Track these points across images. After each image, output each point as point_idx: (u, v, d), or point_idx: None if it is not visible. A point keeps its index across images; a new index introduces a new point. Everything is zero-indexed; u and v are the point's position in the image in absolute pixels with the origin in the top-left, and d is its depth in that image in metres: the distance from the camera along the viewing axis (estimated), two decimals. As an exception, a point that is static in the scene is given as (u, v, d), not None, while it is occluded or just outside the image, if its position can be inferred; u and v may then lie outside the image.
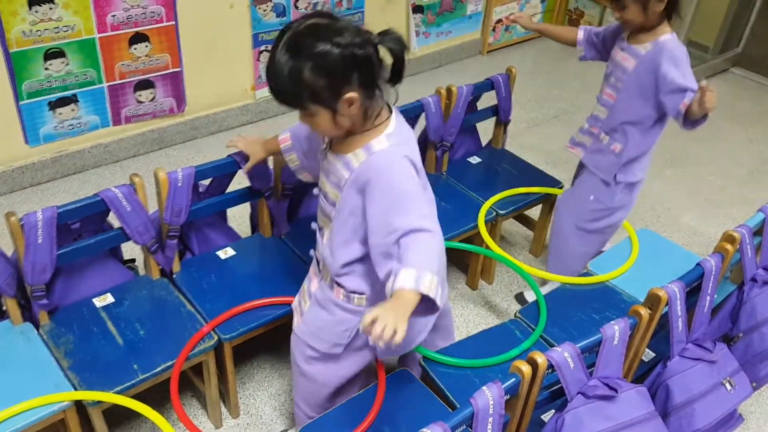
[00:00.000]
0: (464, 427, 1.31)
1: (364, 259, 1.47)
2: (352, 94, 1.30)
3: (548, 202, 2.58)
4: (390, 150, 1.38)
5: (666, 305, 1.58)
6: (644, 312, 1.53)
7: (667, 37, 2.00)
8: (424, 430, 1.24)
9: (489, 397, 1.31)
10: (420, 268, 1.24)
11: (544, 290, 2.26)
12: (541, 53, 4.58)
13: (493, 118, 2.66)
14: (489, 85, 2.54)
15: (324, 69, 1.27)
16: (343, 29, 1.28)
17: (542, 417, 1.63)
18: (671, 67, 1.94)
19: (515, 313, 1.98)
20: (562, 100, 3.98)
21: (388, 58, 1.33)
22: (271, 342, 2.22)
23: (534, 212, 2.70)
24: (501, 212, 2.38)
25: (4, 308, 1.77)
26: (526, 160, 2.68)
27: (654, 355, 1.87)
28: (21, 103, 2.68)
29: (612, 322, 1.50)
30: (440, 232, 1.41)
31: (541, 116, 3.79)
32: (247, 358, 2.19)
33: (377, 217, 1.35)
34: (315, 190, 1.57)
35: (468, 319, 2.44)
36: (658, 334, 1.71)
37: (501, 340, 1.87)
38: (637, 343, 1.58)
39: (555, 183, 2.56)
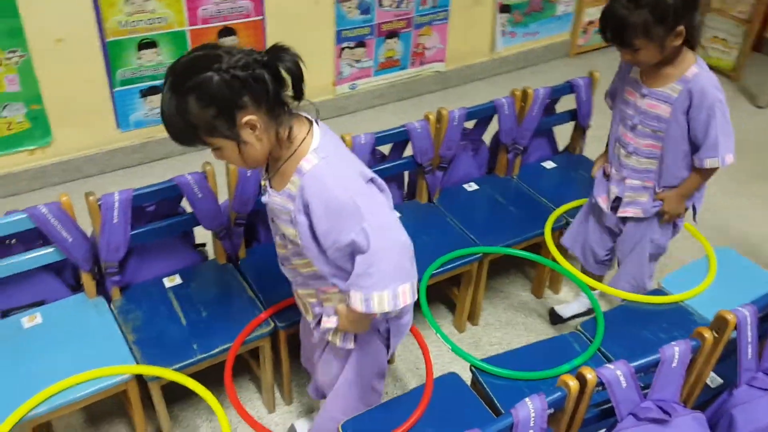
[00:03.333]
0: (503, 436, 1.28)
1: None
2: (249, 117, 1.25)
3: (624, 213, 2.47)
4: (320, 165, 1.31)
5: (735, 329, 1.48)
6: (708, 335, 1.44)
7: (694, 70, 1.78)
8: (460, 436, 1.23)
9: (531, 408, 1.28)
10: (368, 290, 1.31)
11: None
12: (634, 58, 4.40)
13: (572, 123, 2.58)
14: (568, 88, 2.47)
15: (208, 98, 1.22)
16: (222, 56, 1.23)
17: (592, 436, 1.57)
18: (713, 119, 1.77)
19: (576, 326, 1.92)
20: (652, 107, 3.81)
21: (286, 76, 1.27)
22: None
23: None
24: (572, 221, 2.31)
25: (81, 282, 1.89)
26: (603, 168, 2.58)
27: (722, 381, 1.76)
28: (114, 89, 2.85)
29: (672, 342, 1.42)
30: (393, 235, 1.33)
31: (628, 123, 3.64)
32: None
33: (325, 236, 1.33)
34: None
35: (530, 329, 2.38)
36: (728, 360, 1.61)
37: (558, 353, 1.81)
38: (700, 368, 1.49)
39: (632, 193, 2.45)
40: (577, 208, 2.31)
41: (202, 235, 2.15)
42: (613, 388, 1.36)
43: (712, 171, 1.87)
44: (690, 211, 2.04)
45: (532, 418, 1.28)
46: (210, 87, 1.21)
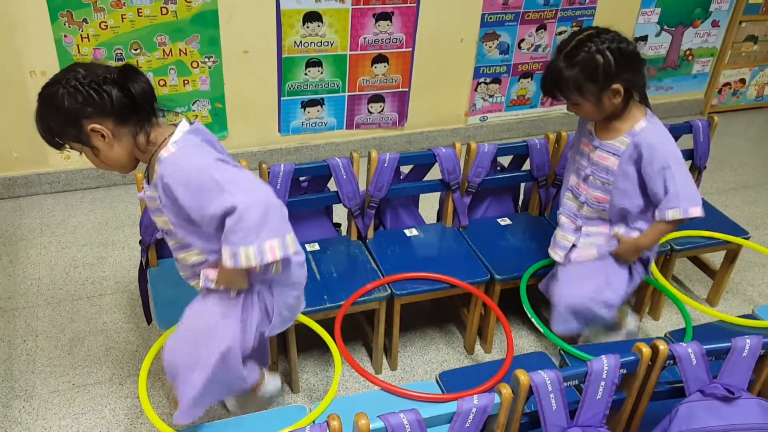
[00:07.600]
0: (576, 382, 1.49)
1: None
2: (94, 126, 1.44)
3: (731, 251, 2.57)
4: (175, 152, 1.46)
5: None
6: (781, 333, 1.57)
7: (642, 125, 1.89)
8: (539, 371, 1.45)
9: (605, 363, 1.48)
10: (234, 245, 1.40)
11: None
12: (772, 122, 4.40)
13: (689, 162, 2.72)
14: (687, 127, 2.64)
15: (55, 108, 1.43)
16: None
17: (665, 420, 1.72)
18: (668, 171, 1.86)
19: (666, 333, 2.07)
20: (783, 169, 3.82)
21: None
22: (435, 318, 2.53)
23: (717, 259, 2.69)
24: (677, 248, 2.45)
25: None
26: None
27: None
28: (282, 98, 3.35)
29: (745, 336, 1.57)
30: (255, 196, 1.42)
31: (754, 180, 3.67)
32: (413, 326, 2.52)
33: (195, 211, 1.44)
34: None
35: (625, 346, 2.51)
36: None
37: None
38: (772, 365, 1.61)
39: (742, 232, 2.55)
40: (684, 238, 2.46)
41: (338, 217, 2.54)
42: (683, 363, 1.53)
43: (675, 223, 1.93)
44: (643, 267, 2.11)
45: (605, 371, 1.48)
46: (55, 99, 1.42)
